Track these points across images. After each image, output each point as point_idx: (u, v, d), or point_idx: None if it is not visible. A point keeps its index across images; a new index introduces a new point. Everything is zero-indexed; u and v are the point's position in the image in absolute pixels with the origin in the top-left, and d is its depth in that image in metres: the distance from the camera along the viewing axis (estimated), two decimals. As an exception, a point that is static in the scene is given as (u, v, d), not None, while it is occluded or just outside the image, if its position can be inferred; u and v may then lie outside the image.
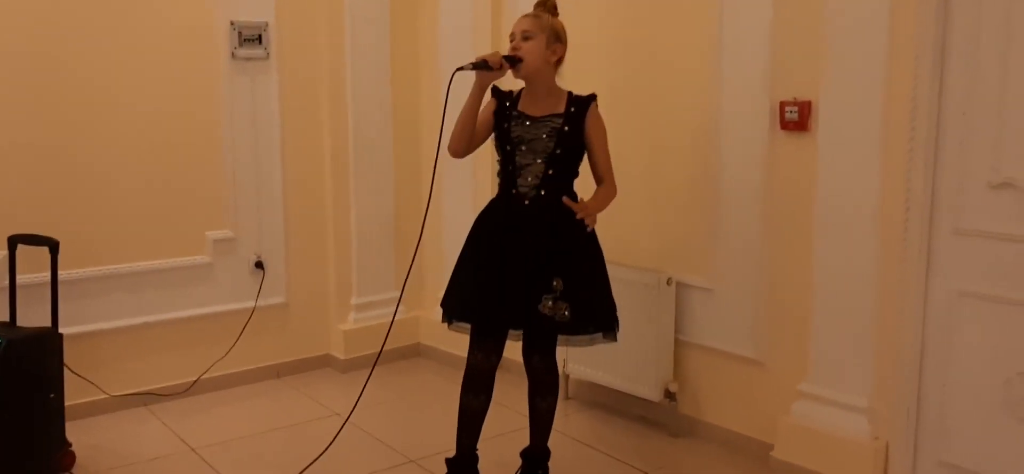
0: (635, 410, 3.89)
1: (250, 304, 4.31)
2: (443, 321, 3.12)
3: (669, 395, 3.69)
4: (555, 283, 2.92)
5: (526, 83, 3.04)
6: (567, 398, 4.09)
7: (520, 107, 3.04)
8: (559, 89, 3.06)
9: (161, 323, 4.10)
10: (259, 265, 4.33)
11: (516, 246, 2.97)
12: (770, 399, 3.45)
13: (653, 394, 3.69)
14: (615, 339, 3.12)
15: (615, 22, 3.87)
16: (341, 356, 4.54)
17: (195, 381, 4.18)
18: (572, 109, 3.00)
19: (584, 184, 3.08)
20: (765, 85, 3.34)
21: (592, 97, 3.04)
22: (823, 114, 3.20)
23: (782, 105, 3.29)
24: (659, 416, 3.79)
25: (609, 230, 3.90)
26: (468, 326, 3.06)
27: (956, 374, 2.99)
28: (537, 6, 3.08)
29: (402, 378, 4.51)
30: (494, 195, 3.13)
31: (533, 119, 3.00)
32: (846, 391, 3.21)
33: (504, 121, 3.03)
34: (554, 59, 3.03)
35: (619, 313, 3.70)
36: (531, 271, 2.94)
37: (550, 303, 2.91)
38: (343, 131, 4.48)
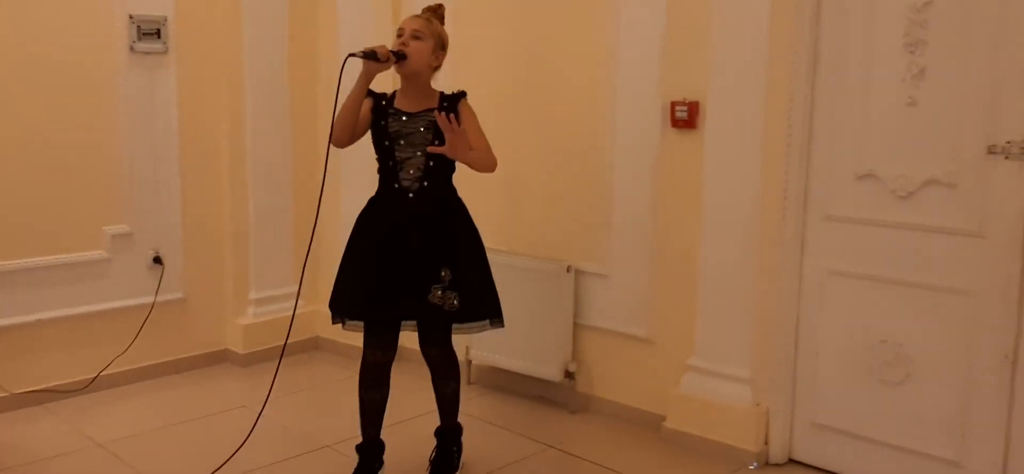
0: (536, 391, 4.11)
1: (149, 300, 4.27)
2: (334, 323, 3.20)
3: (568, 375, 3.93)
4: (443, 273, 3.05)
5: (403, 82, 3.14)
6: (470, 383, 4.27)
7: (396, 104, 3.13)
8: (433, 90, 3.17)
9: (58, 320, 4.02)
10: (157, 260, 4.30)
11: (403, 239, 3.06)
12: (661, 374, 3.73)
13: (554, 374, 3.92)
14: (502, 324, 3.25)
15: (511, 25, 4.06)
16: (240, 351, 4.56)
17: (95, 378, 4.12)
18: (445, 104, 3.12)
19: (468, 179, 3.21)
20: (658, 86, 3.61)
21: (462, 94, 3.17)
22: (710, 113, 3.49)
23: (673, 105, 3.57)
24: (559, 395, 4.02)
25: (514, 223, 4.15)
26: (361, 324, 3.15)
27: (826, 344, 3.36)
28: (427, 10, 3.20)
29: (303, 370, 4.56)
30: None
31: (410, 114, 3.10)
32: (730, 364, 3.53)
33: (381, 118, 3.11)
34: (436, 64, 3.16)
35: (522, 300, 3.95)
36: (419, 263, 3.05)
37: (440, 292, 3.03)
38: (240, 125, 4.50)
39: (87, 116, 4.03)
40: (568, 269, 3.88)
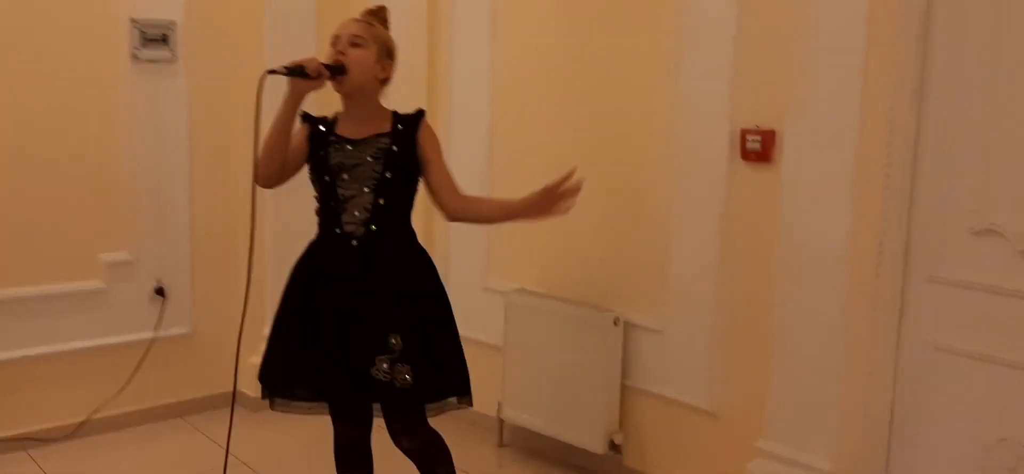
0: (576, 461, 3.56)
1: (148, 335, 3.89)
2: (263, 399, 2.71)
3: (614, 446, 3.38)
4: (392, 341, 2.49)
5: (346, 101, 2.61)
6: (502, 445, 3.77)
7: (338, 130, 2.61)
8: (383, 109, 2.64)
9: (45, 356, 3.66)
10: (160, 291, 3.92)
11: (342, 298, 2.54)
12: (724, 455, 3.17)
13: (596, 445, 3.37)
14: (470, 403, 2.70)
15: (561, 35, 3.55)
16: (252, 393, 4.11)
17: (83, 422, 3.75)
18: (400, 127, 2.60)
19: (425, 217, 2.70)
20: (725, 111, 3.06)
21: (421, 112, 2.65)
22: (789, 145, 2.92)
23: (743, 134, 3.01)
24: (602, 469, 3.47)
25: (554, 262, 3.61)
26: (294, 404, 2.66)
27: (929, 438, 2.74)
28: (367, 13, 2.66)
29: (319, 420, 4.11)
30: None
31: (355, 142, 2.57)
32: (808, 451, 2.94)
33: (320, 147, 2.60)
34: (383, 76, 2.62)
35: (561, 353, 3.42)
36: (362, 328, 2.51)
37: (386, 366, 2.48)
38: (259, 142, 4.05)
39: (82, 131, 3.67)
40: (616, 321, 3.34)
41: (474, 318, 3.66)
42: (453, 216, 2.65)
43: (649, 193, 3.30)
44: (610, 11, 3.38)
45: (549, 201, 2.51)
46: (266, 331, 4.13)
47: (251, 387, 4.11)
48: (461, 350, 2.68)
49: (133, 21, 3.70)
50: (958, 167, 2.63)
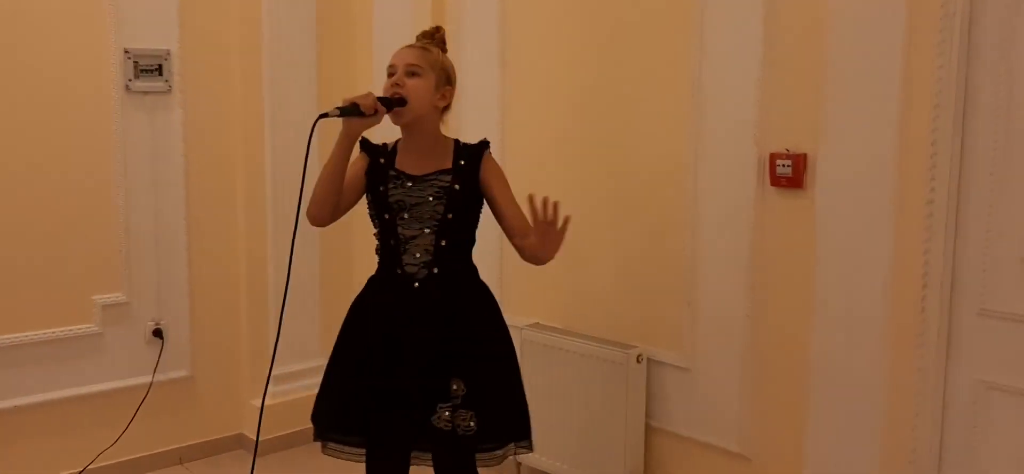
0: (598, 506, 3.35)
1: (146, 379, 3.70)
2: (315, 440, 2.56)
3: (638, 491, 3.18)
4: (454, 386, 2.38)
5: (405, 133, 2.50)
6: (518, 488, 3.57)
7: (398, 164, 2.49)
8: (445, 138, 2.53)
9: (38, 406, 3.48)
10: (157, 333, 3.73)
11: (404, 342, 2.42)
12: (758, 501, 2.95)
13: (620, 490, 3.17)
14: (530, 447, 2.57)
15: (576, 56, 3.37)
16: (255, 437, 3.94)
17: (81, 472, 3.55)
18: (462, 162, 2.47)
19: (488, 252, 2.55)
20: (752, 134, 2.87)
21: (485, 143, 2.53)
22: (822, 169, 2.73)
23: (773, 158, 2.82)
24: (626, 515, 3.26)
25: (572, 296, 3.43)
26: (347, 449, 2.51)
27: (983, 482, 2.53)
28: (423, 37, 2.54)
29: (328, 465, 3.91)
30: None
31: (416, 179, 2.45)
32: (850, 497, 2.73)
33: (380, 182, 2.47)
34: (443, 104, 2.50)
35: (581, 392, 3.24)
36: (424, 374, 2.39)
37: (448, 413, 2.37)
38: (259, 174, 3.90)
39: (73, 166, 3.50)
40: (639, 358, 3.15)
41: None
42: (528, 258, 2.47)
43: (672, 221, 3.12)
44: (626, 29, 3.21)
45: (543, 235, 2.32)
46: (273, 372, 4.00)
47: (252, 429, 3.94)
48: (523, 392, 2.55)
49: (127, 51, 3.53)
50: (1007, 192, 2.43)
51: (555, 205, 2.27)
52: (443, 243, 2.43)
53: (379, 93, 2.42)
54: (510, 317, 3.55)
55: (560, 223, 2.29)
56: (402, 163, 2.49)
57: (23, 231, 3.40)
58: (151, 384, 3.71)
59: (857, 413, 2.70)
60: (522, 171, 3.54)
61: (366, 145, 2.54)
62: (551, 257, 2.37)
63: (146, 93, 3.61)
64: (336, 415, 2.50)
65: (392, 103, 2.40)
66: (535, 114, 3.49)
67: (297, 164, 3.88)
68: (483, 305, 2.52)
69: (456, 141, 2.54)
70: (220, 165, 3.84)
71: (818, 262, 2.76)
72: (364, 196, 2.53)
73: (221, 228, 3.88)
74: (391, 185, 2.45)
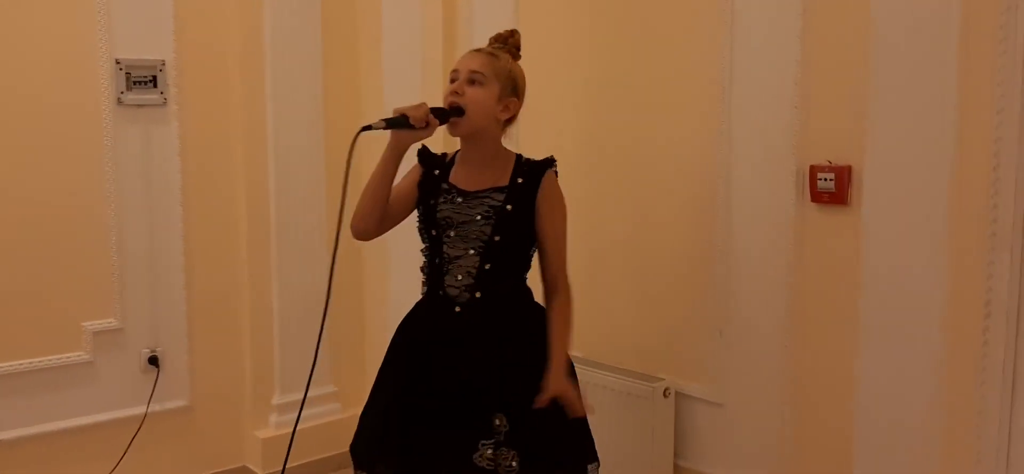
0: (622, 553, 3.08)
1: (141, 409, 3.49)
2: (356, 472, 2.34)
3: (666, 538, 2.90)
4: (497, 422, 2.17)
5: (463, 144, 2.30)
6: (537, 532, 3.29)
7: (452, 177, 2.29)
8: (506, 153, 2.31)
9: (24, 440, 3.27)
10: (153, 361, 3.52)
11: (443, 370, 2.22)
12: (799, 552, 2.67)
13: (646, 537, 2.90)
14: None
15: (595, 61, 3.11)
16: (259, 470, 3.72)
17: (70, 511, 3.36)
18: (519, 180, 2.24)
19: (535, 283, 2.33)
20: (791, 144, 2.60)
21: (549, 162, 2.29)
22: (869, 184, 2.45)
23: (813, 171, 2.55)
24: (653, 563, 2.99)
25: (592, 323, 3.16)
26: None
27: (1057, 539, 2.23)
28: (495, 41, 2.34)
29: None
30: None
31: (467, 194, 2.25)
32: (902, 550, 2.43)
33: (430, 195, 2.27)
34: (506, 117, 2.28)
35: (603, 428, 2.95)
36: (465, 407, 2.18)
37: (490, 452, 2.16)
38: (263, 191, 3.68)
39: (62, 184, 3.31)
40: (666, 392, 2.89)
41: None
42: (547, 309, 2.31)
43: (702, 242, 2.85)
44: (650, 31, 2.96)
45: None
46: (274, 400, 3.79)
47: (259, 463, 3.72)
48: (583, 423, 2.30)
49: (118, 62, 3.33)
50: (1085, 208, 2.14)
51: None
52: (487, 267, 2.20)
53: (436, 102, 2.22)
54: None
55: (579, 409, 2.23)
56: (457, 176, 2.28)
57: (7, 253, 3.21)
58: (146, 415, 3.50)
59: (909, 458, 2.41)
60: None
61: (423, 154, 2.36)
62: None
63: (140, 106, 3.40)
64: (375, 447, 2.28)
65: (447, 114, 2.19)
66: (552, 122, 3.24)
67: (305, 180, 3.74)
68: (533, 330, 2.27)
69: (518, 156, 2.30)
70: (220, 182, 3.63)
71: (864, 287, 2.47)
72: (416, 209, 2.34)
73: (221, 249, 3.66)
74: (441, 199, 2.26)
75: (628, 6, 3.00)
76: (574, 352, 3.13)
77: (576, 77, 3.18)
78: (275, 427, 3.76)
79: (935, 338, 2.35)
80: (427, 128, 2.18)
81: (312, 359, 3.83)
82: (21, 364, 3.26)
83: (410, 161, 2.35)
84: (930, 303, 2.34)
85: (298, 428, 3.74)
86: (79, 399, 3.38)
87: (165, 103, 3.45)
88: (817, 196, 2.55)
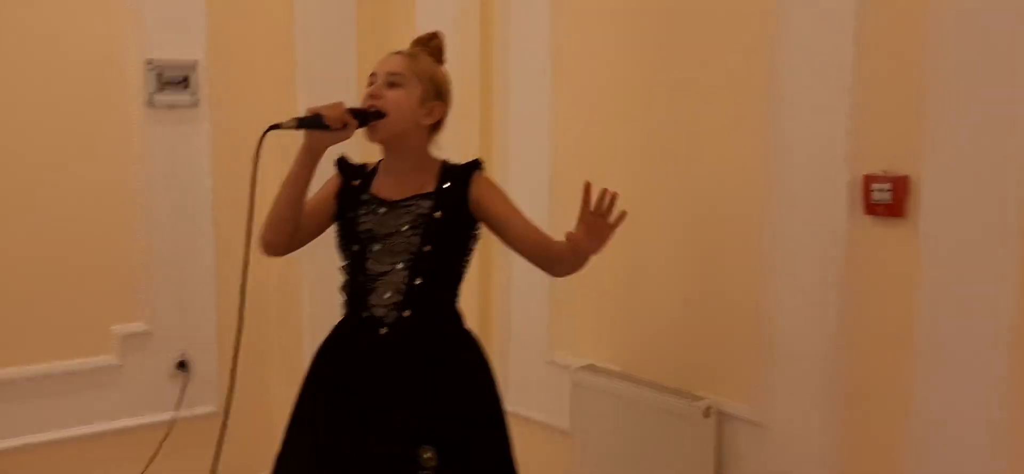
0: None
1: (169, 415, 3.47)
2: None
3: (707, 566, 2.76)
4: (426, 455, 2.03)
5: (385, 151, 2.19)
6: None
7: (374, 187, 2.17)
8: (432, 160, 2.19)
9: (50, 444, 3.26)
10: (182, 365, 3.50)
11: (365, 399, 2.08)
12: None
13: (684, 567, 2.76)
14: None
15: (634, 65, 2.99)
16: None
17: (95, 518, 3.35)
18: (446, 184, 2.13)
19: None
20: (843, 152, 2.44)
21: (475, 164, 2.18)
22: (928, 195, 2.29)
23: (867, 180, 2.39)
24: None
25: (628, 335, 3.04)
26: None
27: None
28: (415, 43, 2.23)
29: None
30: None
31: (390, 204, 2.13)
32: None
33: (350, 207, 2.16)
34: (429, 121, 2.17)
35: (637, 449, 2.85)
36: (389, 439, 2.05)
37: None
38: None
39: (91, 187, 3.30)
40: (707, 411, 2.74)
41: (536, 396, 3.20)
42: (556, 272, 2.16)
43: (746, 254, 2.70)
44: (691, 32, 2.81)
45: (592, 227, 1.99)
46: (303, 408, 3.71)
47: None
48: (511, 462, 2.18)
49: (149, 62, 3.30)
50: None
51: (613, 196, 1.94)
52: (418, 282, 2.08)
53: (351, 105, 2.11)
54: (560, 356, 3.21)
55: (614, 217, 1.96)
56: (379, 186, 2.17)
57: (36, 256, 3.21)
58: (174, 421, 3.48)
59: (973, 487, 2.25)
60: (575, 194, 3.17)
61: (342, 163, 2.25)
62: (593, 253, 2.03)
63: (171, 107, 3.38)
64: None
65: (367, 116, 2.09)
66: (589, 136, 3.12)
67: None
68: (465, 356, 2.17)
69: (444, 162, 2.19)
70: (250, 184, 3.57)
71: (922, 305, 2.31)
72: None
73: (252, 252, 3.59)
74: (362, 210, 2.14)
75: (670, 9, 2.87)
76: (610, 365, 3.05)
77: (616, 84, 3.05)
78: (306, 434, 3.70)
79: (1000, 360, 2.18)
80: (344, 130, 2.05)
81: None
82: (49, 367, 3.26)
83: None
84: (995, 322, 2.17)
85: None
86: (106, 403, 3.37)
87: (197, 104, 3.42)
88: (871, 208, 2.39)
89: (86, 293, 3.30)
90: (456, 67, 3.42)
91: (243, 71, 3.53)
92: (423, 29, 3.57)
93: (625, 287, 3.02)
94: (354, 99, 3.62)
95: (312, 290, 3.66)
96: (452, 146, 2.33)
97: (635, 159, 3.00)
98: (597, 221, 1.96)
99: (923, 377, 2.33)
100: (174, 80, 3.35)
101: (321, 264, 3.61)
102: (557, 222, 3.15)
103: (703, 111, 2.80)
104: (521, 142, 3.35)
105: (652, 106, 2.95)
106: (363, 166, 2.25)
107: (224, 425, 2.24)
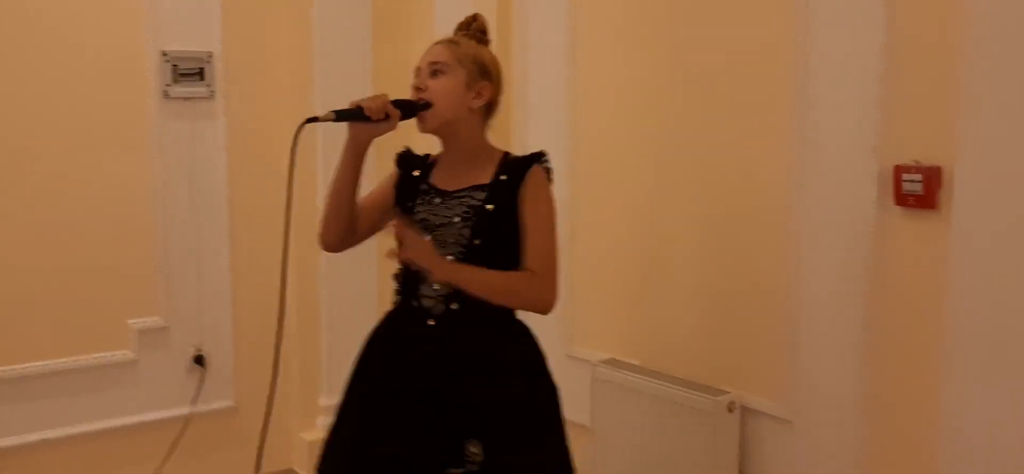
0: None
1: (186, 410, 3.44)
2: None
3: (731, 567, 2.71)
4: (472, 450, 1.98)
5: (442, 142, 2.14)
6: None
7: (432, 178, 2.13)
8: (490, 149, 2.14)
9: (67, 439, 3.26)
10: (198, 360, 3.48)
11: (413, 389, 2.04)
12: None
13: (708, 566, 2.71)
14: None
15: (655, 57, 2.92)
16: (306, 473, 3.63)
17: (114, 513, 3.34)
18: (503, 177, 2.07)
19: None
20: (872, 143, 2.37)
21: (537, 156, 2.11)
22: (961, 186, 2.21)
23: (898, 171, 2.32)
24: None
25: (650, 329, 2.98)
26: None
27: None
28: (458, 29, 2.19)
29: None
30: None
31: (445, 195, 2.08)
32: None
33: (408, 197, 2.12)
34: (479, 104, 2.10)
35: (658, 445, 2.79)
36: (434, 430, 2.01)
37: None
38: (311, 186, 3.56)
39: (107, 179, 3.28)
40: (731, 406, 2.68)
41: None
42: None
43: (771, 244, 2.64)
44: (714, 19, 2.75)
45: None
46: (321, 401, 3.69)
47: (306, 467, 3.62)
48: (566, 460, 2.15)
49: (164, 54, 3.26)
50: None
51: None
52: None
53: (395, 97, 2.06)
54: (580, 350, 3.16)
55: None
56: (437, 177, 2.13)
57: (52, 250, 3.20)
58: (191, 415, 3.46)
59: (1005, 487, 2.18)
60: (595, 187, 3.13)
61: (402, 155, 2.21)
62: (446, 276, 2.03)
63: (186, 99, 3.36)
64: (342, 470, 2.14)
65: (413, 107, 2.03)
66: (609, 120, 3.06)
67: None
68: (516, 349, 2.11)
69: (505, 153, 2.14)
70: (267, 177, 3.55)
71: (954, 300, 2.23)
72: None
73: (268, 246, 3.54)
74: (419, 201, 2.10)
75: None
76: (632, 359, 2.99)
77: (637, 74, 2.99)
78: (322, 429, 3.65)
79: (1035, 357, 2.12)
80: (387, 121, 2.00)
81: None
82: (66, 362, 3.25)
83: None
84: (1029, 319, 2.12)
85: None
86: (123, 398, 3.36)
87: (212, 96, 3.39)
88: (902, 199, 2.32)
89: (102, 288, 3.28)
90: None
91: (259, 62, 3.49)
92: (441, 20, 3.56)
93: (646, 280, 2.97)
94: (367, 90, 3.62)
95: (328, 284, 3.63)
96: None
97: (658, 150, 2.94)
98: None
99: (953, 376, 2.26)
100: (189, 72, 3.32)
101: (335, 258, 3.60)
102: (575, 217, 3.14)
103: (727, 100, 2.74)
104: (540, 136, 3.28)
105: (674, 96, 2.89)
106: (425, 157, 2.21)
107: (268, 415, 2.20)
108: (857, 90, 2.40)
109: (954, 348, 2.26)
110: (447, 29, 3.48)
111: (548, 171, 2.10)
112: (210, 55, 3.35)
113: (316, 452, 3.54)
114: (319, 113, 2.04)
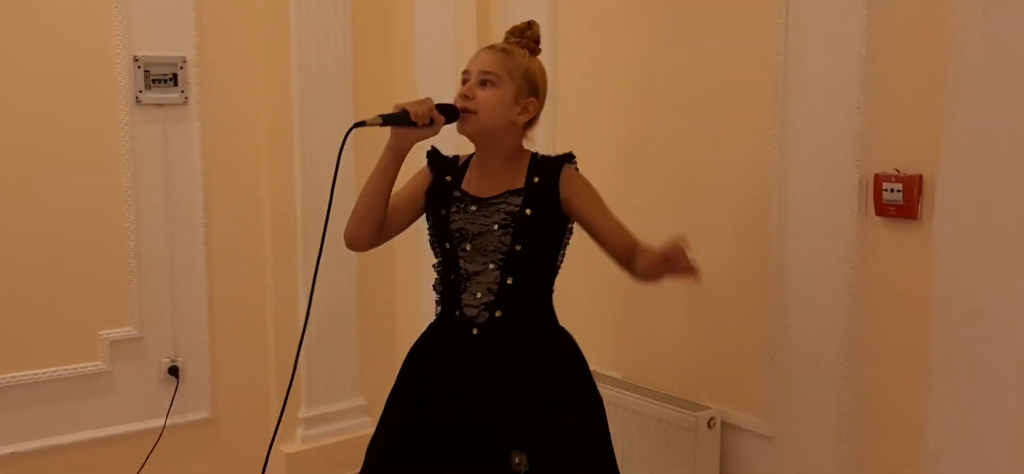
0: None
1: (160, 422, 3.36)
2: None
3: None
4: (516, 460, 1.94)
5: (477, 147, 2.09)
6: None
7: (465, 184, 2.08)
8: (523, 155, 2.09)
9: (39, 452, 3.17)
10: (173, 371, 3.39)
11: (457, 399, 2.01)
12: None
13: None
14: None
15: (634, 44, 2.86)
16: (281, 487, 3.57)
17: (83, 529, 3.25)
18: (536, 179, 2.03)
19: (567, 293, 2.10)
20: (853, 151, 2.31)
21: (566, 157, 2.08)
22: (943, 196, 2.15)
23: (878, 180, 2.26)
24: None
25: (629, 342, 2.92)
26: None
27: None
28: (510, 34, 2.12)
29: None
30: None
31: (481, 201, 2.04)
32: None
33: (442, 204, 2.07)
34: (524, 119, 2.07)
35: (638, 461, 2.73)
36: (479, 441, 1.98)
37: None
38: (289, 194, 3.52)
39: (78, 187, 3.19)
40: (711, 422, 2.62)
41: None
42: (638, 276, 2.05)
43: (753, 258, 2.57)
44: (696, 25, 2.68)
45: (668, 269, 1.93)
46: (302, 413, 3.63)
47: (280, 482, 3.56)
48: (613, 467, 2.11)
49: (136, 59, 3.19)
50: None
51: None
52: (509, 282, 2.00)
53: (443, 99, 2.02)
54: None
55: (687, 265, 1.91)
56: (470, 182, 2.08)
57: (22, 259, 3.10)
58: (164, 427, 3.37)
59: (990, 508, 2.11)
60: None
61: (433, 156, 2.15)
62: (651, 280, 2.02)
63: (159, 105, 3.27)
64: None
65: (456, 112, 2.00)
66: (591, 127, 2.99)
67: (328, 184, 3.54)
68: (561, 357, 2.08)
69: (533, 155, 2.10)
70: (243, 184, 3.47)
71: (937, 312, 2.17)
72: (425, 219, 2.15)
73: (244, 254, 3.51)
74: (454, 208, 2.05)
75: (674, 2, 2.73)
76: (612, 373, 2.92)
77: (617, 78, 2.92)
78: (301, 442, 3.60)
79: (1019, 372, 2.04)
80: (431, 126, 1.97)
81: (342, 371, 3.72)
82: (36, 373, 3.16)
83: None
84: (1013, 332, 2.03)
85: (327, 442, 3.66)
86: (96, 410, 3.27)
87: (186, 102, 3.31)
88: (882, 209, 2.25)
89: (74, 297, 3.19)
90: (452, 57, 3.33)
91: (234, 67, 3.40)
92: (422, 21, 3.50)
93: (626, 292, 2.89)
94: (349, 94, 3.55)
95: (307, 295, 3.55)
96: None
97: (636, 158, 2.87)
98: (677, 259, 1.89)
99: (937, 388, 2.19)
100: (162, 77, 3.24)
101: (309, 272, 3.53)
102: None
103: (707, 108, 2.67)
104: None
105: (654, 103, 2.82)
106: (455, 159, 2.16)
107: (279, 420, 2.30)
108: (837, 99, 2.33)
109: (937, 362, 2.19)
110: (431, 28, 3.46)
111: (576, 168, 2.09)
112: (184, 60, 3.27)
113: (295, 465, 3.53)
114: (366, 118, 1.96)
